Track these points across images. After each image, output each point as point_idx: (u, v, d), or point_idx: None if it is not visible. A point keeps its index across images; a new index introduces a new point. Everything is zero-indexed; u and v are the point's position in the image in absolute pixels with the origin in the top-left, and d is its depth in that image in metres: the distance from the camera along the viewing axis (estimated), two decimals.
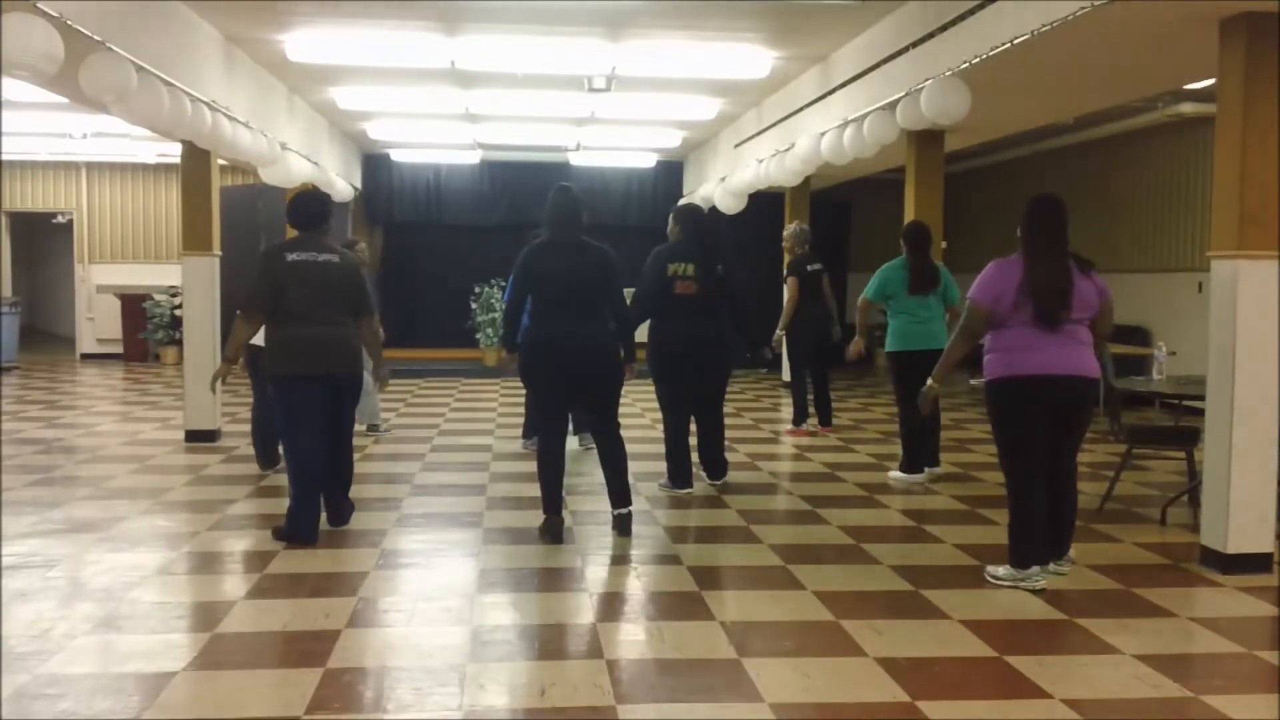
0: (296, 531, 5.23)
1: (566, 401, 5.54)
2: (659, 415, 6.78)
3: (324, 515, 5.48)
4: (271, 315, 5.24)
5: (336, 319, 5.30)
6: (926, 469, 7.04)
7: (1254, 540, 4.87)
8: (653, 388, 6.68)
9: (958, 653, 3.87)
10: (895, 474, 7.08)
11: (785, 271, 8.96)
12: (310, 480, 5.26)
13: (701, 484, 6.68)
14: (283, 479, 5.95)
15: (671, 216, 6.73)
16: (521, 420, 8.30)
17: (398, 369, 13.45)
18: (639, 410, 9.71)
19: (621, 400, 5.64)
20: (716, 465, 6.71)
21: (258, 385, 6.76)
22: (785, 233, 9.17)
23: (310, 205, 5.52)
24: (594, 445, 7.45)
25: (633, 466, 5.86)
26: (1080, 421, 4.68)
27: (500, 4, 7.09)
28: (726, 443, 6.95)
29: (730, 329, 6.48)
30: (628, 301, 5.67)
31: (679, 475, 6.54)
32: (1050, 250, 4.57)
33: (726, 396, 6.97)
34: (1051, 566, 4.74)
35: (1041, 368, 4.52)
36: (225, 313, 8.47)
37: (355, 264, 5.51)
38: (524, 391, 7.38)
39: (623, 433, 5.59)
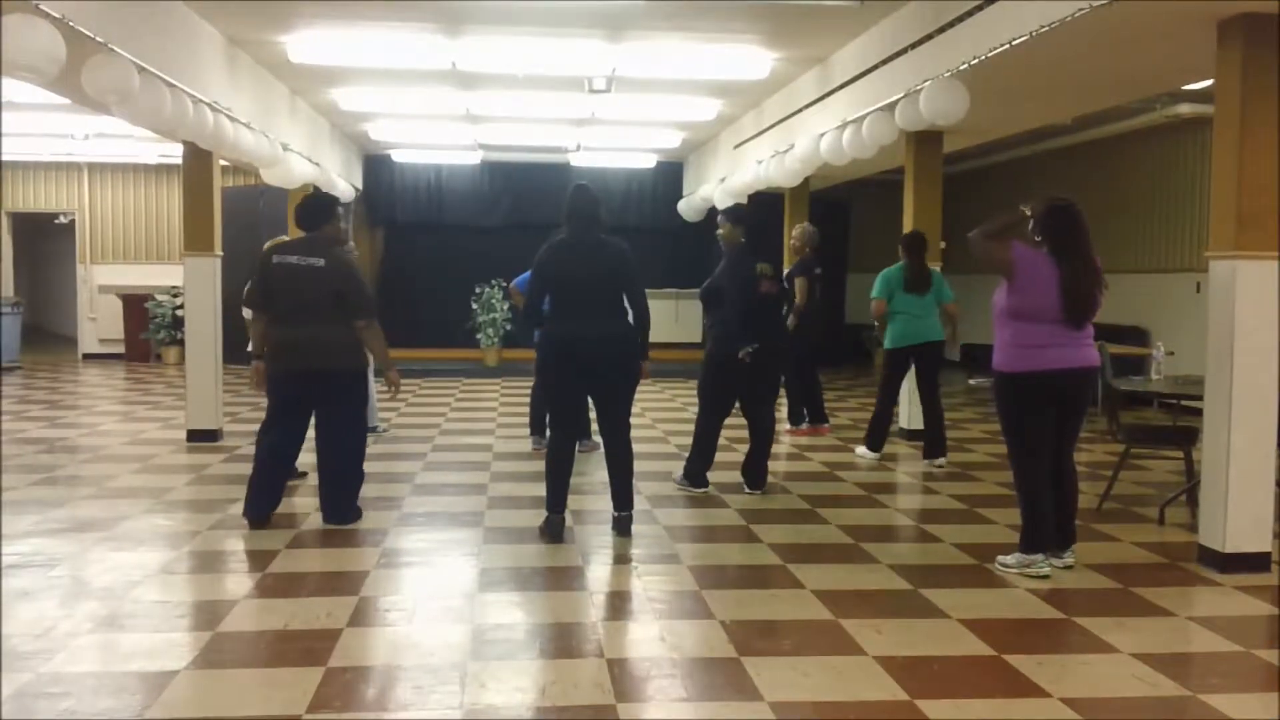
0: (246, 510, 5.55)
1: (581, 400, 5.54)
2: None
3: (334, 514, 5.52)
4: (264, 312, 5.53)
5: (315, 319, 5.38)
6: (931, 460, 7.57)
7: (1252, 539, 4.89)
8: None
9: (957, 651, 3.88)
10: (861, 450, 7.89)
11: (791, 271, 8.94)
12: (261, 464, 5.53)
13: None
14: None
15: (724, 216, 6.67)
16: (528, 418, 8.29)
17: (398, 368, 13.49)
18: (638, 410, 9.92)
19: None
20: (761, 474, 6.58)
21: None
22: (795, 231, 9.14)
23: (306, 207, 5.61)
24: (588, 448, 7.55)
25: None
26: (1084, 407, 4.93)
27: (501, 5, 7.11)
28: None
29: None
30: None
31: (699, 475, 6.55)
32: (1080, 254, 4.71)
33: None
34: (1059, 560, 4.86)
35: (1058, 363, 4.73)
36: (227, 312, 8.51)
37: (344, 268, 5.50)
38: (528, 390, 7.37)
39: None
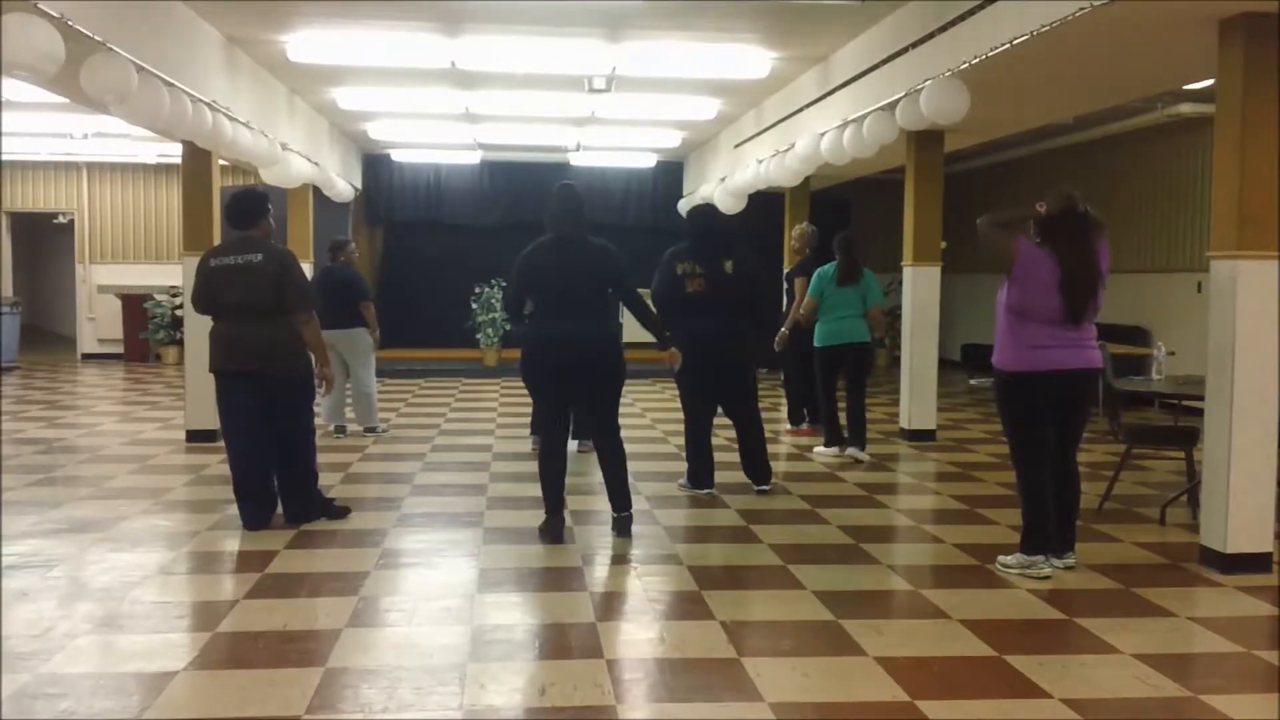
0: (241, 518, 5.51)
1: (567, 401, 5.53)
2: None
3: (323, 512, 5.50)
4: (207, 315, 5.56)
5: (258, 318, 5.37)
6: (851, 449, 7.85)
7: (1253, 540, 4.88)
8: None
9: (957, 652, 3.87)
10: (819, 449, 8.01)
11: (791, 271, 8.95)
12: (239, 470, 5.51)
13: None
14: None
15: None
16: (528, 419, 8.28)
17: (398, 368, 13.55)
18: (639, 410, 9.73)
19: (621, 401, 5.63)
20: (758, 470, 6.57)
21: None
22: (794, 232, 9.15)
23: (235, 205, 5.56)
24: (588, 448, 7.53)
25: (632, 466, 5.87)
26: (1086, 408, 4.93)
27: (501, 5, 7.10)
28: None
29: (750, 326, 6.46)
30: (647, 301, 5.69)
31: (697, 475, 6.52)
32: (1079, 250, 4.69)
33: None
34: (1060, 561, 4.86)
35: (1059, 363, 4.70)
36: None
37: (281, 261, 5.45)
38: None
39: (622, 434, 5.57)
